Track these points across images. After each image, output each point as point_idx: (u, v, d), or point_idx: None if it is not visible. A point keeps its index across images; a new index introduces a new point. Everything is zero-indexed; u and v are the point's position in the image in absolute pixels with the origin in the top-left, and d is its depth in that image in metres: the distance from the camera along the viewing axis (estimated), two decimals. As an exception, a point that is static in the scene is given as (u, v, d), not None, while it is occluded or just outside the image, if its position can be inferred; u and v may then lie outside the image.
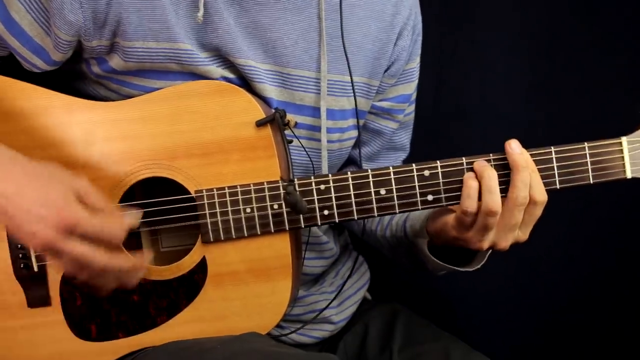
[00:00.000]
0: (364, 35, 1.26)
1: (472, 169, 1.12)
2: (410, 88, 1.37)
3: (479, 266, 1.21)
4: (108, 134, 1.14)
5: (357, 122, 1.27)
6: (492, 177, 1.10)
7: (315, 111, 1.24)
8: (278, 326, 1.23)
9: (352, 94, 1.26)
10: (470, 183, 1.11)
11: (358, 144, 1.33)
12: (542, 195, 1.11)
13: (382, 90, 1.33)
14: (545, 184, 1.12)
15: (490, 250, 1.17)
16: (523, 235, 1.14)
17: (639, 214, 1.72)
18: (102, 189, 1.13)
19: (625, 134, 1.14)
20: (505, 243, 1.13)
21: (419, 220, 1.25)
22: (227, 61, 1.18)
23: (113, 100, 1.18)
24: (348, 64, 1.22)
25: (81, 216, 1.00)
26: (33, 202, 0.99)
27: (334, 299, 1.34)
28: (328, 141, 1.26)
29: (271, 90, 1.20)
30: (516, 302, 1.91)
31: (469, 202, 1.11)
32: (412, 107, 1.42)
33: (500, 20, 1.81)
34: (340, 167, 1.36)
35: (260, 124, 1.13)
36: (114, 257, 1.03)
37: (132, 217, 1.08)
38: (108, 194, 1.13)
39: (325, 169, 1.25)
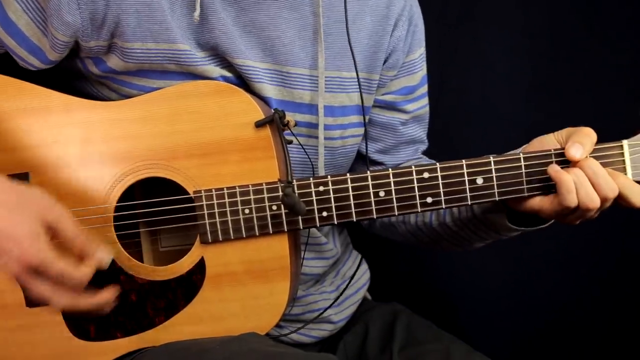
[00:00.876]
0: (359, 29, 1.26)
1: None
2: (413, 80, 1.35)
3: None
4: (107, 133, 1.14)
5: (364, 117, 1.26)
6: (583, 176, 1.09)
7: (313, 109, 1.24)
8: (277, 326, 1.22)
9: (351, 90, 1.25)
10: (566, 177, 1.08)
11: (366, 139, 1.32)
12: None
13: (383, 83, 1.32)
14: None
15: None
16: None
17: (639, 214, 1.72)
18: (100, 189, 1.13)
19: (625, 135, 1.13)
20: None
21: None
22: (224, 61, 1.18)
23: (113, 100, 1.18)
24: (354, 58, 1.22)
25: (44, 258, 0.98)
26: (1, 233, 0.97)
27: (336, 299, 1.33)
28: (329, 138, 1.26)
29: (270, 90, 1.20)
30: (517, 302, 1.91)
31: (572, 197, 1.08)
32: (425, 101, 1.40)
33: (501, 20, 1.80)
34: (351, 167, 1.35)
35: (259, 124, 1.12)
36: (76, 299, 1.02)
37: (103, 253, 1.05)
38: (106, 193, 1.13)
39: (321, 167, 1.24)
